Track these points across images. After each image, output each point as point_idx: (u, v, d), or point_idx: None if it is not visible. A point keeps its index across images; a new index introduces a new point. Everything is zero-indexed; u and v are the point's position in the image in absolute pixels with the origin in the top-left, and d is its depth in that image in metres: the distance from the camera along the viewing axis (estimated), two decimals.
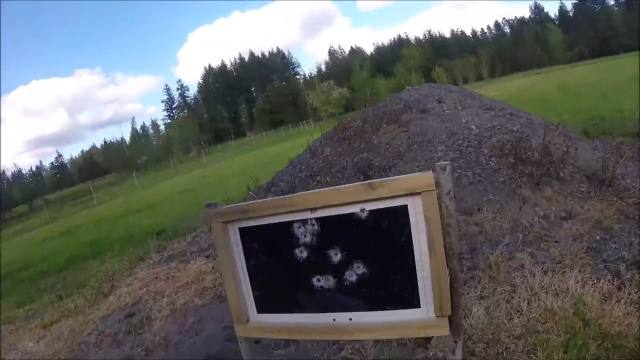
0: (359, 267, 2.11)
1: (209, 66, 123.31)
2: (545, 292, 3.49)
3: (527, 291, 3.55)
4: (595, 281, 3.51)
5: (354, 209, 2.07)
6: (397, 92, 9.02)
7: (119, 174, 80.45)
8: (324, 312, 2.21)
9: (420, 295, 2.05)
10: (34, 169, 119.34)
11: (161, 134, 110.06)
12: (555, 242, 4.24)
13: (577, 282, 3.51)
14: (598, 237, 4.20)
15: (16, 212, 70.26)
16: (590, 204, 4.76)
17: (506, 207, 4.89)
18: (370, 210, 2.05)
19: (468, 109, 6.73)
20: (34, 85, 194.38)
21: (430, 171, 1.94)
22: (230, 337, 4.15)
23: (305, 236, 2.16)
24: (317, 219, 2.13)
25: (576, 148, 5.73)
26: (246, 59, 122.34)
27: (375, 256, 2.09)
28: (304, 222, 2.14)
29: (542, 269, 3.81)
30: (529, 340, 3.02)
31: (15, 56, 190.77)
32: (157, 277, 6.35)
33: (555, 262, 3.90)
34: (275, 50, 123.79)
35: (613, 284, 3.47)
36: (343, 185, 2.12)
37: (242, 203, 2.41)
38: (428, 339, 3.33)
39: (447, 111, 6.78)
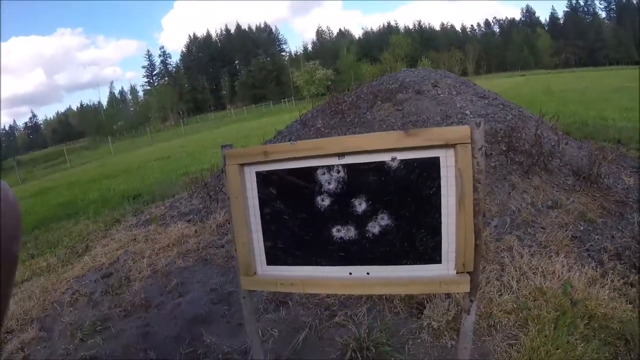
0: (383, 219, 1.99)
1: (194, 35, 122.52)
2: (533, 272, 3.61)
3: (516, 271, 3.65)
4: (580, 267, 3.66)
5: (385, 157, 1.95)
6: None
7: (93, 138, 79.30)
8: (341, 265, 2.09)
9: (442, 250, 1.97)
10: (7, 128, 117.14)
11: (139, 100, 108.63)
12: (542, 228, 4.38)
13: (563, 266, 3.65)
14: (582, 228, 4.36)
15: None
16: (575, 197, 4.88)
17: (496, 191, 4.97)
18: (401, 160, 1.94)
19: (463, 95, 6.68)
20: (12, 42, 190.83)
21: (467, 125, 1.85)
22: (218, 300, 4.04)
23: (329, 183, 2.02)
24: (344, 165, 2.00)
25: (566, 142, 5.89)
26: (232, 30, 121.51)
27: (401, 208, 1.98)
28: (329, 168, 2.01)
29: (529, 251, 3.94)
30: (520, 315, 3.15)
31: None
32: (135, 239, 6.18)
33: (542, 246, 4.04)
34: (262, 25, 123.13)
35: (597, 271, 3.64)
36: (375, 133, 1.98)
37: (263, 145, 2.23)
38: (421, 309, 3.38)
39: (442, 95, 6.72)
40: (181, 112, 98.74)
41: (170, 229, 6.14)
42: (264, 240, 2.19)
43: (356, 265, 2.06)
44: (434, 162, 1.91)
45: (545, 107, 7.50)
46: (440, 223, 1.94)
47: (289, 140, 7.12)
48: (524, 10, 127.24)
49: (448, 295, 3.37)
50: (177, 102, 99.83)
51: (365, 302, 3.55)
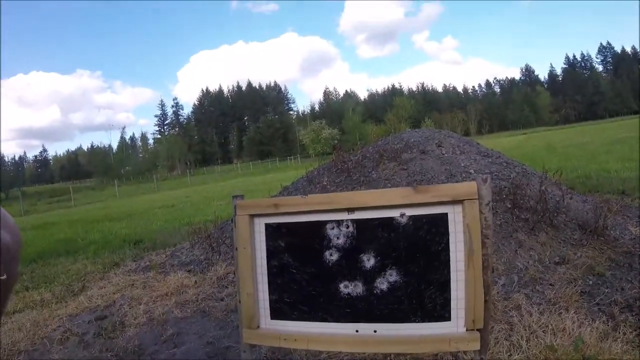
0: (391, 275, 1.99)
1: (206, 89, 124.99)
2: (543, 330, 3.49)
3: (525, 329, 3.53)
4: (590, 322, 3.54)
5: (394, 213, 1.97)
6: None
7: (100, 179, 79.89)
8: (347, 322, 2.06)
9: (452, 307, 1.94)
10: (17, 158, 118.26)
11: (149, 147, 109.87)
12: (550, 284, 4.29)
13: (574, 322, 3.53)
14: (591, 282, 4.28)
15: None
16: (582, 251, 4.83)
17: (502, 249, 4.92)
18: (410, 216, 1.95)
19: (466, 154, 6.72)
20: (33, 75, 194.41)
21: (474, 181, 1.88)
22: (214, 354, 3.94)
23: (338, 238, 2.02)
24: (353, 220, 2.01)
25: (571, 197, 5.85)
26: (243, 87, 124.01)
27: (410, 264, 1.97)
28: (339, 222, 2.01)
29: (538, 309, 3.83)
30: None
31: (20, 43, 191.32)
32: (133, 284, 6.09)
33: (551, 303, 3.93)
34: (272, 84, 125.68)
35: (608, 325, 3.52)
36: (385, 189, 1.99)
37: (273, 197, 2.22)
38: None
39: (446, 154, 6.76)
40: (189, 163, 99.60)
41: (169, 277, 6.06)
42: (270, 293, 2.17)
43: (363, 322, 2.03)
44: (442, 218, 1.92)
45: (548, 164, 7.51)
46: (449, 279, 1.93)
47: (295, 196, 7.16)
48: (523, 70, 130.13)
49: (455, 358, 3.29)
50: (186, 153, 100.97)
51: None
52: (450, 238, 1.92)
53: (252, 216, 2.16)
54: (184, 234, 9.15)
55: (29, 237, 13.01)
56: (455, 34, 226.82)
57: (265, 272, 2.16)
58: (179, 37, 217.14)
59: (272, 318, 2.17)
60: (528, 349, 3.28)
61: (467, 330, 1.91)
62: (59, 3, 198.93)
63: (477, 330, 1.90)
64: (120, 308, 5.23)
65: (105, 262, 7.95)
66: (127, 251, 8.80)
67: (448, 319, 1.95)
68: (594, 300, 3.96)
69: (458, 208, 1.90)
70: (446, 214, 1.92)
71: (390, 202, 1.95)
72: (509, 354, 3.27)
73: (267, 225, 2.15)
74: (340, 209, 2.00)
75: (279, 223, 2.13)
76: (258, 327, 2.18)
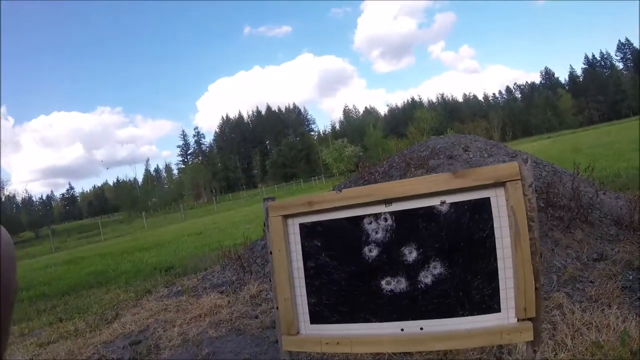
0: (435, 267, 1.89)
1: (227, 116, 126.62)
2: (587, 328, 3.41)
3: (569, 328, 3.45)
4: (634, 316, 3.45)
5: (434, 201, 1.88)
6: None
7: (128, 212, 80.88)
8: (391, 320, 1.95)
9: (501, 297, 1.84)
10: (44, 197, 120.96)
11: (174, 178, 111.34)
12: (590, 282, 4.21)
13: (617, 317, 3.44)
14: (631, 277, 4.19)
15: (22, 237, 70.54)
16: (619, 246, 4.75)
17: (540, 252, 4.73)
18: (451, 203, 1.86)
19: (494, 157, 6.62)
20: (54, 116, 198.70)
21: (515, 162, 1.79)
22: None
23: (376, 232, 1.93)
24: (391, 212, 1.92)
25: (604, 192, 5.80)
26: (263, 112, 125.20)
27: (454, 254, 1.87)
28: (376, 216, 1.93)
29: (580, 307, 3.75)
30: None
31: (41, 84, 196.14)
32: (166, 309, 6.05)
33: (593, 300, 3.85)
34: (291, 106, 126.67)
35: None
36: (422, 176, 1.90)
37: (306, 195, 2.14)
38: None
39: (473, 158, 6.66)
40: (214, 190, 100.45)
41: (202, 299, 6.02)
42: (308, 297, 2.08)
43: (408, 320, 1.93)
44: (485, 203, 1.83)
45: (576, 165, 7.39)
46: (496, 267, 1.83)
47: None
48: (543, 73, 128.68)
49: (500, 354, 3.16)
50: (210, 181, 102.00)
51: None
52: (494, 223, 1.82)
53: (286, 217, 2.09)
54: (214, 258, 9.14)
55: (61, 272, 13.15)
56: (471, 43, 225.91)
57: (303, 274, 2.07)
58: (196, 68, 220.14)
59: (312, 322, 2.08)
60: (574, 346, 3.20)
61: (518, 320, 1.81)
62: (76, 44, 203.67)
63: (529, 319, 1.79)
64: (155, 332, 5.19)
65: (138, 289, 7.95)
66: (158, 278, 8.80)
67: (497, 309, 1.85)
68: (635, 295, 3.86)
69: (500, 191, 1.81)
70: (488, 198, 1.83)
71: (430, 190, 1.85)
72: (554, 352, 3.18)
73: (302, 225, 2.07)
74: (377, 202, 1.91)
75: (313, 222, 2.05)
76: (298, 332, 2.09)
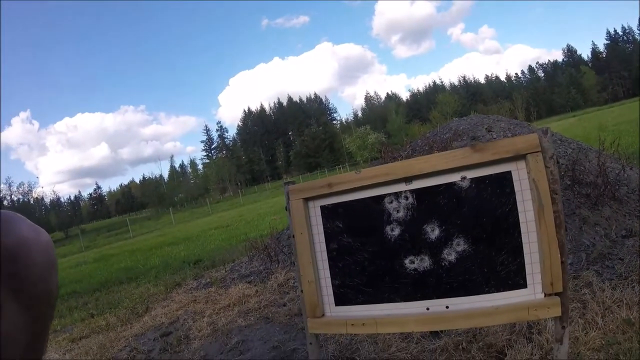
0: (458, 244, 1.87)
1: (248, 109, 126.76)
2: (618, 305, 3.33)
3: (599, 306, 3.39)
4: None
5: (454, 177, 1.86)
6: None
7: (155, 209, 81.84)
8: (416, 299, 1.94)
9: (526, 272, 1.81)
10: (72, 198, 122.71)
11: (199, 173, 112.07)
12: (620, 259, 4.11)
13: None
14: None
15: (52, 238, 71.74)
16: None
17: (567, 227, 4.65)
18: (471, 179, 1.84)
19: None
20: (79, 117, 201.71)
21: (534, 133, 1.77)
22: (280, 358, 3.89)
23: (397, 211, 1.92)
24: (412, 190, 1.90)
25: (630, 168, 5.73)
26: (284, 103, 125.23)
27: (477, 230, 1.85)
28: (397, 195, 1.92)
29: (610, 285, 3.67)
30: (610, 351, 2.87)
31: (64, 87, 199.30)
32: (195, 300, 6.11)
33: (623, 278, 3.76)
34: (312, 96, 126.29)
35: None
36: (441, 152, 1.88)
37: (326, 177, 2.13)
38: (501, 357, 3.08)
39: (497, 138, 6.56)
40: (239, 183, 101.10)
41: (230, 290, 6.07)
42: (332, 278, 2.08)
43: (433, 298, 1.92)
44: (506, 177, 1.81)
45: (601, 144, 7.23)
46: (521, 242, 1.80)
47: None
48: (565, 51, 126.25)
49: (530, 339, 3.12)
50: (235, 174, 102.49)
51: (441, 354, 3.32)
52: (517, 197, 1.80)
53: (307, 200, 2.08)
54: (241, 249, 9.18)
55: (91, 270, 13.36)
56: (490, 23, 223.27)
57: (326, 256, 2.07)
58: (216, 62, 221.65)
59: (336, 304, 2.08)
60: (604, 325, 3.13)
61: (545, 295, 1.77)
62: (98, 45, 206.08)
63: (557, 294, 1.76)
64: (185, 323, 5.25)
65: (167, 283, 8.04)
66: (187, 271, 8.88)
67: (524, 285, 1.82)
68: None
69: (521, 164, 1.78)
70: (509, 172, 1.80)
71: (449, 166, 1.83)
72: (585, 331, 3.12)
73: (323, 208, 2.07)
74: (397, 180, 1.90)
75: (334, 203, 2.04)
76: (323, 315, 2.09)
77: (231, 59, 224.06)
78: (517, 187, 1.79)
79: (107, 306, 7.31)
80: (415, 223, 1.90)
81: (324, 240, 2.06)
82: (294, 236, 2.07)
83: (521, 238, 1.79)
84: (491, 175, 1.82)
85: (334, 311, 2.08)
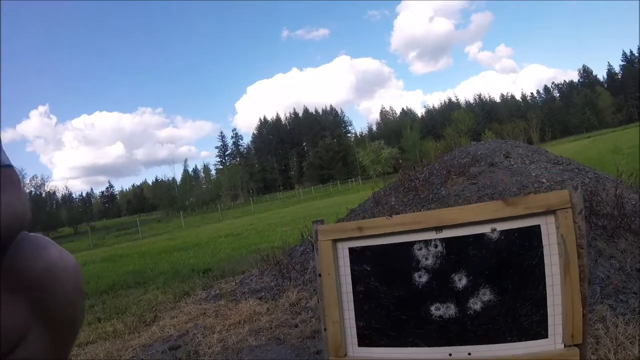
0: (485, 294, 1.88)
1: (264, 118, 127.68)
2: (631, 342, 3.34)
3: (612, 342, 3.38)
4: None
5: (484, 228, 1.87)
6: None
7: (166, 211, 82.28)
8: (439, 345, 1.95)
9: (549, 324, 1.82)
10: (84, 194, 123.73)
11: (211, 178, 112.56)
12: (634, 293, 4.11)
13: None
14: None
15: (61, 233, 72.51)
16: None
17: None
18: (501, 231, 1.85)
19: (536, 163, 6.52)
20: (96, 115, 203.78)
21: (565, 190, 1.80)
22: None
23: (426, 258, 1.93)
24: (441, 239, 1.92)
25: None
26: (300, 114, 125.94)
27: (504, 281, 1.87)
28: (426, 242, 1.93)
29: (624, 320, 3.66)
30: None
31: (83, 84, 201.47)
32: (204, 313, 6.11)
33: (636, 313, 3.77)
34: (328, 108, 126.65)
35: None
36: (473, 204, 1.89)
37: (356, 220, 2.14)
38: None
39: (515, 165, 6.58)
40: (251, 191, 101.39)
41: (241, 305, 6.06)
42: (357, 320, 2.08)
43: (456, 345, 1.93)
44: (535, 230, 1.82)
45: (615, 168, 7.15)
46: (545, 294, 1.82)
47: (363, 219, 7.06)
48: (581, 71, 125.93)
49: None
50: (248, 181, 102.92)
51: None
52: (544, 250, 1.81)
53: (335, 241, 2.09)
54: (252, 261, 9.19)
55: (99, 270, 13.40)
56: (507, 42, 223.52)
57: (352, 298, 2.08)
58: (235, 70, 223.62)
59: (359, 345, 2.08)
60: None
61: (565, 346, 1.79)
62: (119, 46, 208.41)
63: (576, 345, 1.77)
64: (194, 337, 5.24)
65: (176, 291, 8.03)
66: (196, 280, 8.87)
67: (545, 336, 1.83)
68: None
69: (550, 219, 1.80)
70: (539, 225, 1.82)
71: (481, 218, 1.85)
72: None
73: (351, 250, 2.08)
74: (427, 228, 1.91)
75: (363, 246, 2.05)
76: (345, 355, 2.09)
77: (250, 68, 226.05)
78: (545, 241, 1.80)
79: (114, 311, 7.31)
80: (444, 271, 1.91)
81: (350, 282, 2.07)
82: (320, 275, 2.07)
83: (546, 290, 1.81)
84: (521, 228, 1.83)
85: (356, 352, 2.08)
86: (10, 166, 1.07)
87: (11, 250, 0.80)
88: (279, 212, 35.05)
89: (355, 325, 2.08)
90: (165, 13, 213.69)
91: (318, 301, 2.10)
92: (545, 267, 1.81)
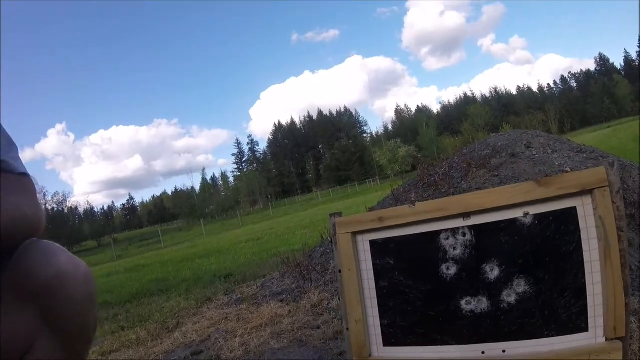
0: (519, 285, 1.74)
1: (279, 123, 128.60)
2: None
3: None
4: None
5: (516, 213, 1.73)
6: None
7: (186, 220, 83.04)
8: (471, 343, 1.81)
9: (589, 315, 1.68)
10: (106, 208, 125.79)
11: (230, 185, 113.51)
12: None
13: None
14: None
15: (85, 246, 73.69)
16: None
17: None
18: (534, 215, 1.71)
19: (559, 152, 6.32)
20: (113, 130, 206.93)
21: (601, 167, 1.65)
22: None
23: (454, 248, 1.80)
24: (470, 227, 1.78)
25: None
26: (314, 116, 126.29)
27: (540, 271, 1.72)
28: (454, 231, 1.80)
29: None
30: None
31: (99, 100, 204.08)
32: (226, 318, 6.01)
33: None
34: (343, 109, 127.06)
35: None
36: (502, 186, 1.76)
37: (377, 210, 2.02)
38: None
39: (537, 155, 6.38)
40: (269, 196, 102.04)
41: (262, 308, 5.95)
42: (381, 318, 1.95)
43: (489, 342, 1.78)
44: (571, 213, 1.68)
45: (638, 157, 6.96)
46: (584, 283, 1.67)
47: None
48: (598, 59, 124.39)
49: None
50: (266, 187, 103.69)
51: None
52: (582, 235, 1.67)
53: (355, 234, 1.97)
54: (272, 264, 9.10)
55: (123, 280, 13.43)
56: (521, 33, 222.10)
57: (375, 294, 1.95)
58: (247, 77, 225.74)
59: (384, 345, 1.95)
60: None
61: (606, 340, 1.65)
62: (132, 62, 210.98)
63: (618, 339, 1.63)
64: (216, 342, 5.14)
65: (198, 297, 7.97)
66: (218, 285, 8.80)
67: (585, 329, 1.68)
68: None
69: (587, 199, 1.65)
70: (575, 207, 1.68)
71: (512, 201, 1.71)
72: None
73: (372, 242, 1.95)
74: (454, 215, 1.78)
75: (385, 238, 1.92)
76: (370, 355, 1.96)
77: (262, 73, 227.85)
78: (582, 224, 1.66)
79: (137, 319, 7.25)
80: (474, 262, 1.77)
81: (373, 277, 1.94)
82: (340, 271, 1.95)
83: (585, 279, 1.67)
84: (555, 211, 1.69)
85: (381, 352, 1.95)
86: (25, 175, 0.99)
87: (19, 255, 0.72)
88: (298, 216, 35.03)
89: (379, 324, 1.95)
90: (174, 28, 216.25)
91: (339, 299, 1.98)
92: (584, 253, 1.67)
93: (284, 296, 6.30)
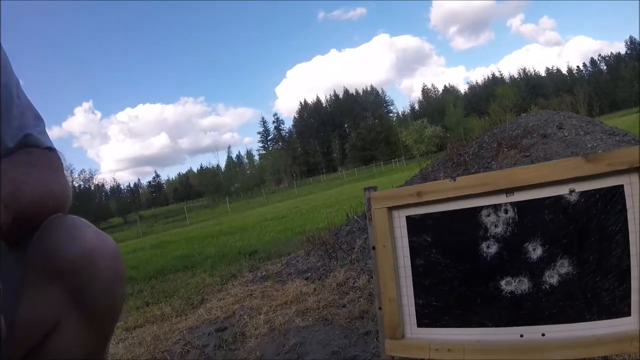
0: (562, 265, 1.65)
1: (305, 101, 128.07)
2: None
3: None
4: None
5: (561, 190, 1.65)
6: None
7: (212, 198, 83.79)
8: (510, 325, 1.74)
9: (632, 300, 1.59)
10: (132, 185, 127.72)
11: (255, 163, 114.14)
12: None
13: None
14: None
15: (111, 223, 75.03)
16: None
17: None
18: (580, 192, 1.63)
19: (591, 134, 6.19)
20: (140, 108, 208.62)
21: None
22: None
23: (496, 226, 1.72)
24: (513, 203, 1.70)
25: None
26: (340, 95, 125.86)
27: (584, 251, 1.64)
28: (496, 207, 1.71)
29: None
30: None
31: (126, 79, 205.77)
32: (251, 295, 6.01)
33: None
34: (369, 88, 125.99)
35: None
36: (549, 161, 1.67)
37: (415, 185, 1.94)
38: None
39: (569, 136, 6.26)
40: (294, 175, 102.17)
41: (287, 286, 5.93)
42: (416, 297, 1.88)
43: (529, 325, 1.71)
44: (618, 191, 1.60)
45: None
46: (629, 265, 1.58)
47: None
48: (628, 42, 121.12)
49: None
50: (291, 165, 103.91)
51: None
52: (628, 215, 1.58)
53: (390, 209, 1.89)
54: (297, 242, 9.08)
55: (148, 256, 13.56)
56: (550, 14, 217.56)
57: (410, 273, 1.88)
58: (273, 55, 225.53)
59: (418, 326, 1.88)
60: None
61: None
62: (159, 39, 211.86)
63: None
64: (240, 319, 5.13)
65: (223, 274, 7.98)
66: (243, 262, 8.81)
67: (628, 313, 1.60)
68: None
69: (634, 177, 1.56)
70: (622, 185, 1.59)
71: (558, 177, 1.62)
72: None
73: (409, 218, 1.87)
74: (497, 191, 1.70)
75: (423, 214, 1.84)
76: (403, 336, 1.90)
77: (289, 52, 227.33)
78: (628, 204, 1.58)
79: (162, 295, 7.29)
80: (516, 240, 1.69)
81: (408, 255, 1.86)
82: (374, 248, 1.88)
83: (630, 261, 1.58)
84: (602, 189, 1.61)
85: (415, 333, 1.88)
86: (51, 149, 0.94)
87: (44, 230, 0.67)
88: (323, 194, 35.00)
89: (414, 304, 1.87)
90: (202, 7, 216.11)
91: (372, 277, 1.91)
92: (630, 234, 1.57)
93: (309, 274, 6.27)
